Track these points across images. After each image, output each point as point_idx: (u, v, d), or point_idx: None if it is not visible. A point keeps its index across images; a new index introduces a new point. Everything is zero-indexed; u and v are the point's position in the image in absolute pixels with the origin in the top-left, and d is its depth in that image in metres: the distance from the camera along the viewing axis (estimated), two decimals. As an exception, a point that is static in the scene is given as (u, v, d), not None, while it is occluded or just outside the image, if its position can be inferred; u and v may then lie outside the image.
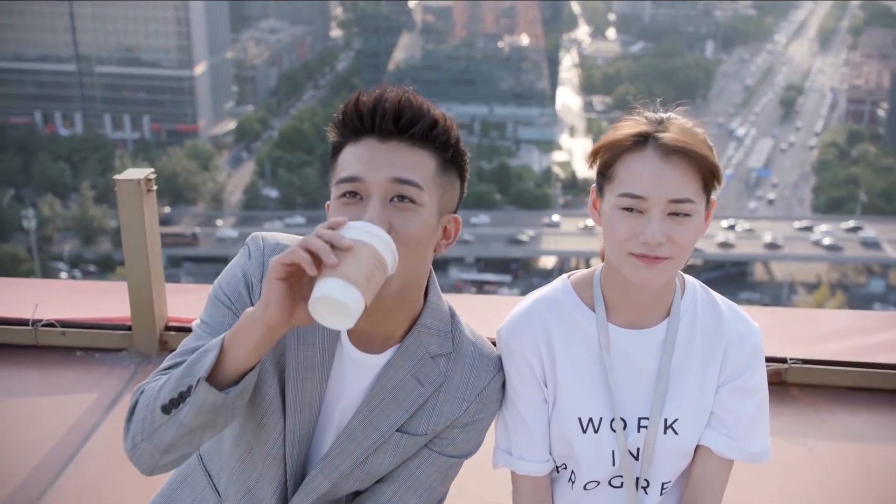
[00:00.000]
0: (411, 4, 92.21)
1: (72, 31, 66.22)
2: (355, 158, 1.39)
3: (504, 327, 1.62)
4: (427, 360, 1.51)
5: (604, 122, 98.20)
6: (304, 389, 1.47)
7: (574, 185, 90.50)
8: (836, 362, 2.82)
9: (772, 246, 77.08)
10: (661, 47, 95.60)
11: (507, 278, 77.43)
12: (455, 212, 1.49)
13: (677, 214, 1.44)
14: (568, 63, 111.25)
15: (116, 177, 2.55)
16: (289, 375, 1.47)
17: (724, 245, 75.65)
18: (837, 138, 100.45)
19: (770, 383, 2.76)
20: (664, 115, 1.51)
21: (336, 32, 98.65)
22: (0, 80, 63.76)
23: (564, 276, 1.66)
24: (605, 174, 1.50)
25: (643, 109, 1.53)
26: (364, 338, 1.49)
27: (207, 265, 78.62)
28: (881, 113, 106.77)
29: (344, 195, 1.38)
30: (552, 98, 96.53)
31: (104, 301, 3.02)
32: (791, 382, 2.81)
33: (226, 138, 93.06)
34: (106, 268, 48.14)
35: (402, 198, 1.38)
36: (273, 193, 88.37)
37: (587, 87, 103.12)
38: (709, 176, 1.46)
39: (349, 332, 1.49)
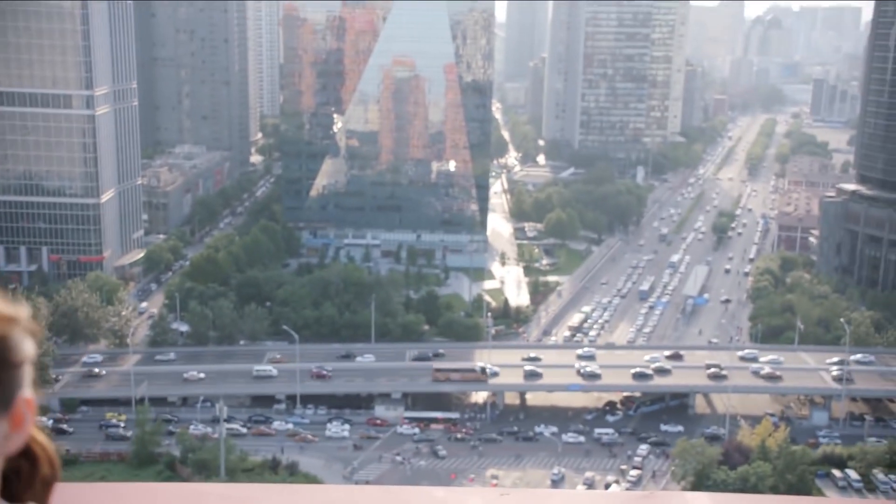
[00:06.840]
0: (335, 129, 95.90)
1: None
2: None
3: None
4: None
5: (535, 248, 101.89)
6: None
7: (506, 315, 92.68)
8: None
9: (712, 376, 79.36)
10: (591, 173, 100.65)
11: (454, 415, 77.58)
12: None
13: None
14: (498, 189, 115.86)
15: None
16: None
17: (642, 376, 77.79)
18: (772, 265, 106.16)
19: None
20: None
21: (256, 158, 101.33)
22: None
23: None
24: None
25: None
26: None
27: (106, 407, 76.86)
28: (812, 240, 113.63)
29: None
30: (482, 224, 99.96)
31: None
32: None
33: (133, 269, 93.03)
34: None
35: None
36: (183, 327, 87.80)
37: (518, 214, 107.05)
38: None
39: None
